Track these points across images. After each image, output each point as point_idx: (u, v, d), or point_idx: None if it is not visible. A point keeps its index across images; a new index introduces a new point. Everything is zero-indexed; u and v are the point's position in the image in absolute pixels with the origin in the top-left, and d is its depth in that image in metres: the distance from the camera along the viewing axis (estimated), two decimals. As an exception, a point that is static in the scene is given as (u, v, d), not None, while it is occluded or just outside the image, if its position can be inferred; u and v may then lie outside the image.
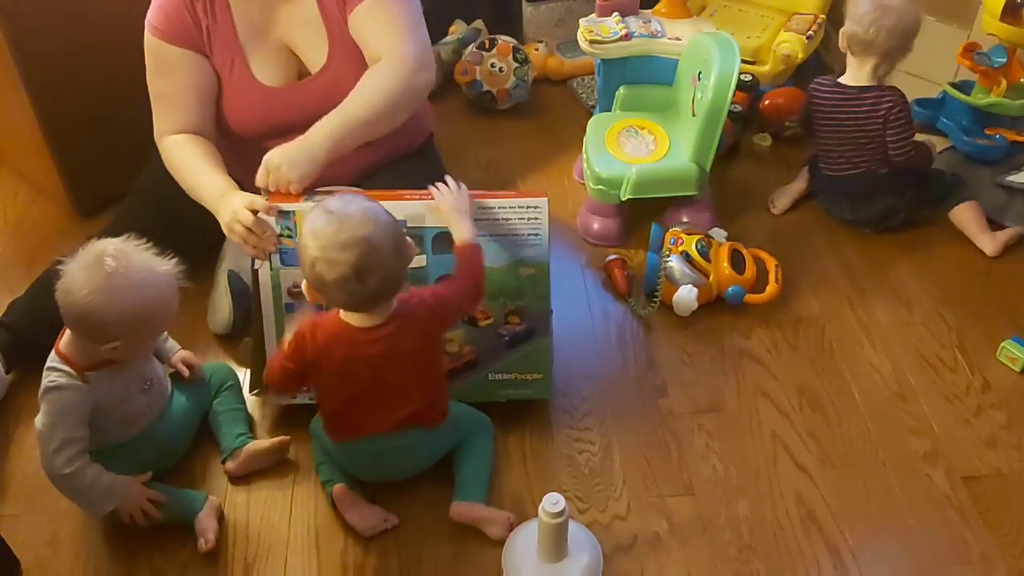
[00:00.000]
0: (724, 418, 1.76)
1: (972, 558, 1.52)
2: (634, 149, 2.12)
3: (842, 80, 2.10)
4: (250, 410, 1.74)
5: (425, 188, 1.70)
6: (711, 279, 1.94)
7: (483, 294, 1.56)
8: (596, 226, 2.16)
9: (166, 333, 1.69)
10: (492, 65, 2.54)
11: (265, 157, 1.63)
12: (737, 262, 1.96)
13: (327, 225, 1.34)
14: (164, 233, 1.59)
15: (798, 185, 2.27)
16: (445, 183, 1.61)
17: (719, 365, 1.87)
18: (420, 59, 1.76)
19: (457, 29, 2.74)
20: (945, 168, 2.21)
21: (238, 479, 1.64)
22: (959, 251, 2.12)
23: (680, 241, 1.96)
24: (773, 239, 2.15)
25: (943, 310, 1.98)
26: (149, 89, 1.80)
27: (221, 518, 1.57)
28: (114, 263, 1.41)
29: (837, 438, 1.72)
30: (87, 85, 2.07)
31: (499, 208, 1.63)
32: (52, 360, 1.49)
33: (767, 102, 2.43)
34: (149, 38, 1.76)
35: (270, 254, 1.62)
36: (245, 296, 1.84)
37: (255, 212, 1.60)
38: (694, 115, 2.03)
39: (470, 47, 2.59)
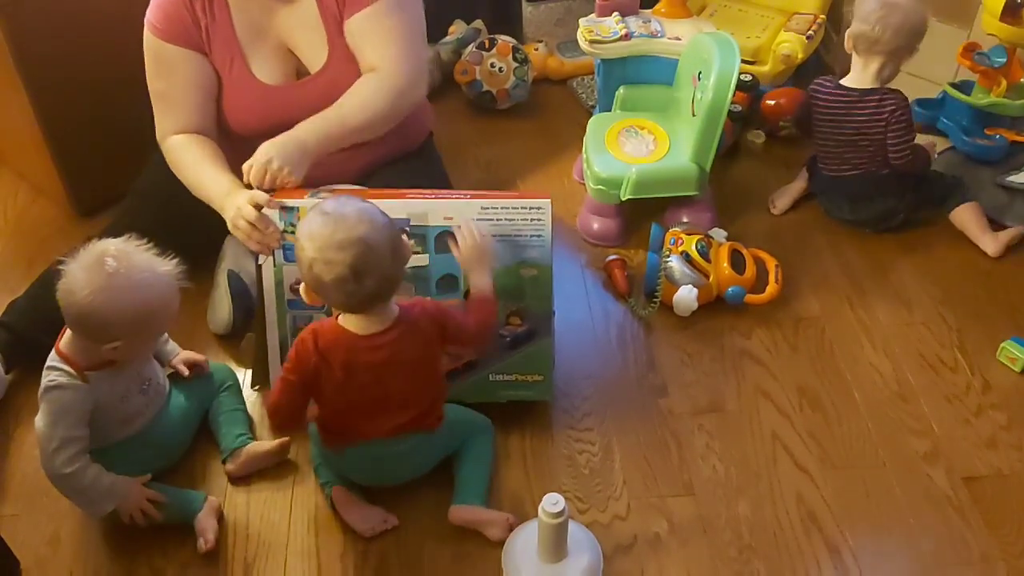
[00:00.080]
0: (724, 418, 1.76)
1: (972, 558, 1.52)
2: (634, 149, 2.12)
3: (844, 82, 2.09)
4: (250, 410, 1.74)
5: (425, 188, 1.70)
6: (711, 279, 1.94)
7: (486, 342, 1.56)
8: (596, 226, 2.16)
9: (167, 335, 1.69)
10: (492, 65, 2.54)
11: (257, 150, 1.64)
12: (737, 262, 1.96)
13: (323, 226, 1.34)
14: (164, 233, 1.59)
15: (798, 185, 2.27)
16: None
17: (719, 365, 1.87)
18: (412, 79, 1.80)
19: (457, 29, 2.74)
20: (945, 168, 2.21)
21: (238, 479, 1.64)
22: (959, 251, 2.12)
23: (680, 241, 1.96)
24: (773, 239, 2.15)
25: (943, 310, 1.98)
26: (150, 89, 1.81)
27: (221, 518, 1.57)
28: (115, 263, 1.41)
29: (837, 438, 1.72)
30: (87, 85, 2.07)
31: (502, 209, 1.62)
32: (52, 359, 1.49)
33: (771, 102, 2.43)
34: (149, 37, 1.76)
35: (273, 250, 1.62)
36: (245, 296, 1.84)
37: (259, 208, 1.60)
38: (694, 115, 2.03)
39: (470, 47, 2.59)
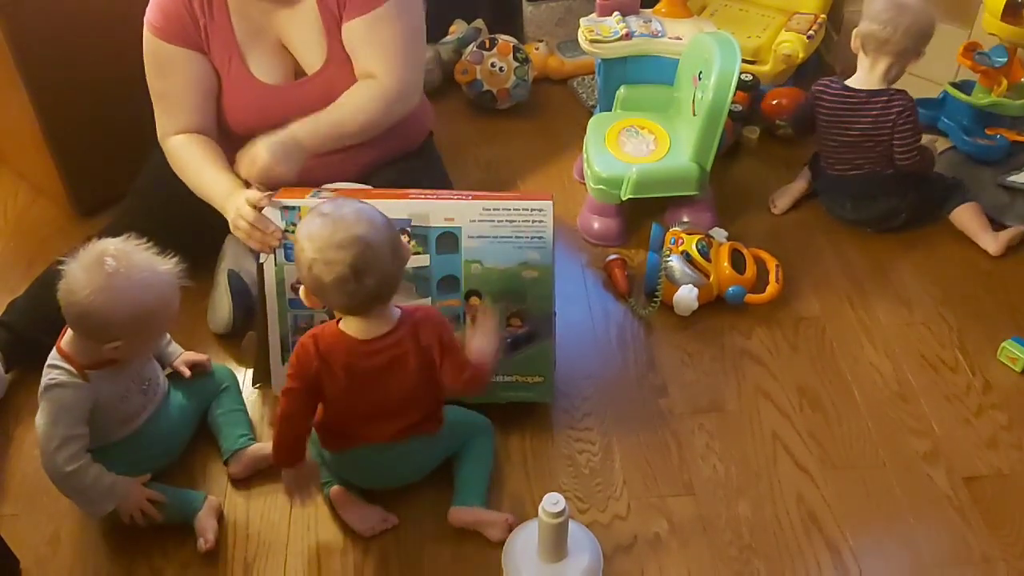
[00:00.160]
0: (724, 418, 1.76)
1: (973, 558, 1.52)
2: (634, 149, 2.12)
3: (850, 82, 2.09)
4: (250, 410, 1.74)
5: (425, 187, 1.70)
6: (711, 279, 1.94)
7: (469, 393, 1.51)
8: (596, 226, 2.16)
9: (169, 337, 1.69)
10: (492, 64, 2.54)
11: (253, 147, 1.65)
12: (737, 262, 1.96)
13: (322, 227, 1.34)
14: (164, 233, 1.59)
15: (799, 185, 2.27)
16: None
17: (719, 365, 1.86)
18: (408, 89, 1.81)
19: (457, 28, 2.74)
20: (946, 168, 2.21)
21: (239, 480, 1.64)
22: (960, 251, 2.12)
23: (680, 241, 1.96)
24: (774, 239, 2.14)
25: (944, 310, 1.98)
26: (150, 89, 1.81)
27: (221, 518, 1.57)
28: (115, 263, 1.41)
29: (838, 438, 1.72)
30: (87, 85, 2.07)
31: (503, 210, 1.62)
32: (53, 358, 1.49)
33: (773, 102, 2.43)
34: (148, 37, 1.76)
35: (274, 249, 1.62)
36: (245, 296, 1.84)
37: (258, 208, 1.60)
38: (695, 115, 2.03)
39: (470, 46, 2.59)
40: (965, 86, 2.29)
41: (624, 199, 2.09)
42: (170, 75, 1.78)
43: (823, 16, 2.56)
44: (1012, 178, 2.16)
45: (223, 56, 1.78)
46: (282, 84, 1.82)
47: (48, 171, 2.16)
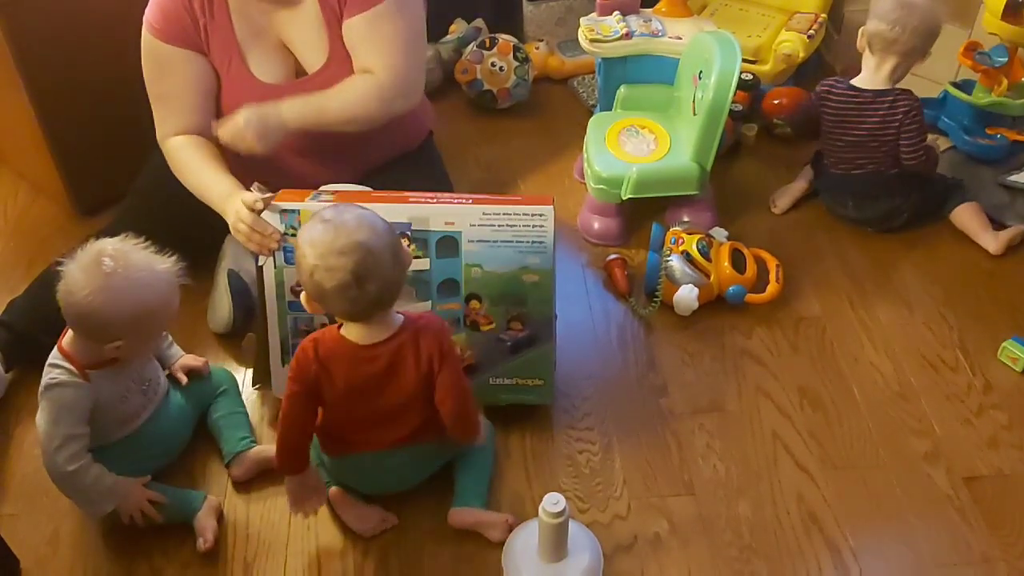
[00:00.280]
0: (725, 418, 1.76)
1: (973, 558, 1.52)
2: (635, 148, 2.12)
3: (855, 82, 2.08)
4: (250, 410, 1.74)
5: (425, 187, 1.70)
6: (712, 279, 1.94)
7: (455, 418, 1.49)
8: (597, 225, 2.16)
9: (170, 338, 1.69)
10: (492, 64, 2.54)
11: (240, 114, 1.66)
12: (738, 262, 1.96)
13: (324, 233, 1.34)
14: (164, 232, 1.59)
15: (799, 185, 2.27)
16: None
17: (720, 365, 1.86)
18: (405, 88, 1.81)
19: (458, 28, 2.73)
20: (947, 168, 2.21)
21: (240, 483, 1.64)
22: (961, 251, 2.12)
23: (681, 240, 1.96)
24: (774, 239, 2.14)
25: (944, 310, 1.98)
26: (148, 91, 1.80)
27: (220, 518, 1.57)
28: (113, 263, 1.41)
29: (838, 438, 1.72)
30: (87, 85, 2.07)
31: (503, 215, 1.62)
32: (54, 357, 1.49)
33: (775, 101, 2.42)
34: (147, 38, 1.76)
35: (274, 251, 1.62)
36: (245, 295, 1.84)
37: (256, 211, 1.60)
38: (695, 114, 2.03)
39: (471, 46, 2.59)
40: (966, 86, 2.29)
41: (624, 199, 2.08)
42: (169, 76, 1.78)
43: (823, 15, 2.55)
44: (1012, 178, 2.16)
45: (223, 56, 1.78)
46: (283, 83, 1.82)
47: (48, 171, 2.16)
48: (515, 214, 1.62)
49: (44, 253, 2.06)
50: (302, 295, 1.43)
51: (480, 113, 2.61)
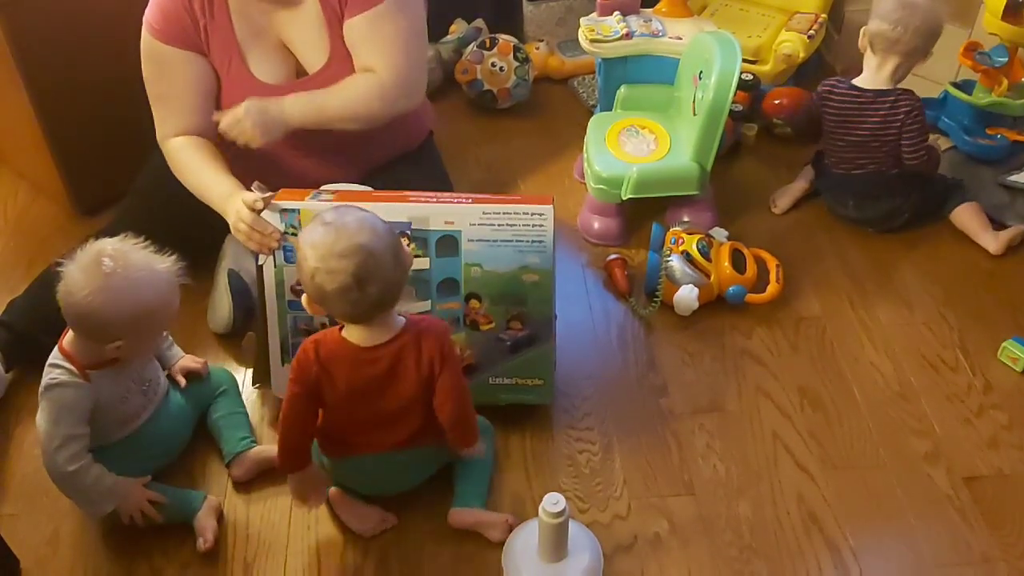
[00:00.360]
0: (725, 418, 1.76)
1: (973, 558, 1.52)
2: (635, 148, 2.12)
3: (857, 82, 2.08)
4: (250, 410, 1.74)
5: (425, 187, 1.70)
6: (712, 279, 1.94)
7: (458, 432, 1.50)
8: (597, 225, 2.16)
9: (171, 339, 1.69)
10: (493, 64, 2.54)
11: (242, 104, 1.68)
12: (738, 262, 1.96)
13: (324, 236, 1.34)
14: (164, 232, 1.59)
15: (799, 185, 2.26)
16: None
17: (720, 365, 1.86)
18: (407, 87, 1.81)
19: (458, 28, 2.73)
20: (947, 168, 2.21)
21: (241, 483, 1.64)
22: (961, 251, 2.12)
23: (681, 240, 1.96)
24: (774, 239, 2.14)
25: (944, 310, 1.98)
26: (148, 92, 1.80)
27: (220, 517, 1.57)
28: (112, 263, 1.41)
29: (838, 438, 1.72)
30: (87, 85, 2.07)
31: (503, 214, 1.62)
32: (55, 357, 1.49)
33: (776, 101, 2.42)
34: (147, 39, 1.76)
35: (274, 251, 1.62)
36: (245, 295, 1.84)
37: (256, 211, 1.60)
38: (695, 114, 2.03)
39: (471, 46, 2.59)
40: (966, 86, 2.28)
41: (624, 199, 2.08)
42: (169, 77, 1.78)
43: (824, 16, 2.55)
44: (1013, 178, 2.16)
45: (223, 57, 1.78)
46: (283, 84, 1.81)
47: (48, 171, 2.16)
48: (515, 213, 1.62)
49: (44, 253, 2.06)
50: (303, 297, 1.43)
51: (480, 113, 2.61)
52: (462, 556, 1.53)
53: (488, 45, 2.56)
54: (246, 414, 1.71)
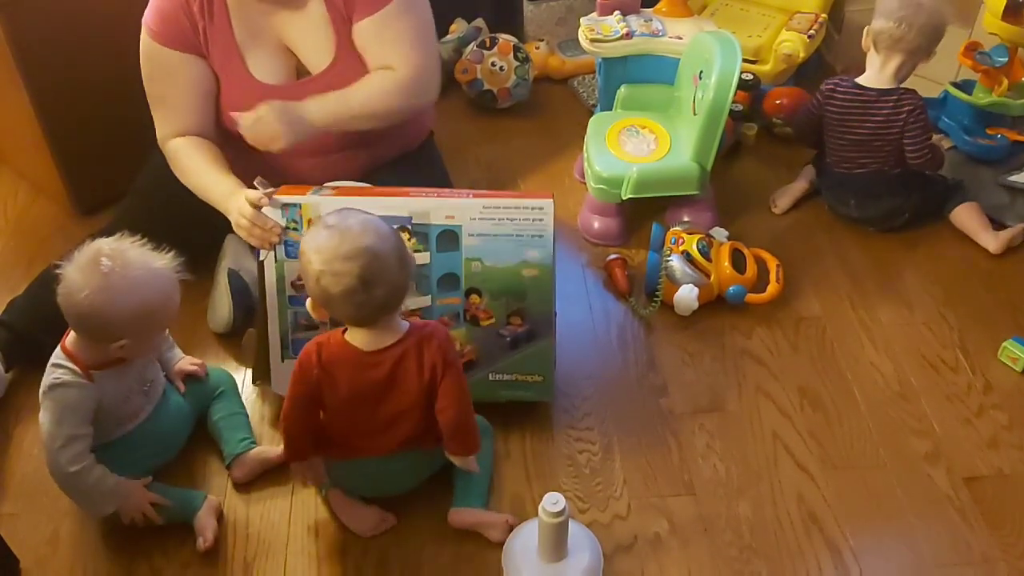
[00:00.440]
0: (725, 418, 1.76)
1: (973, 558, 1.52)
2: (635, 148, 2.12)
3: (860, 81, 2.08)
4: (250, 409, 1.73)
5: (425, 186, 1.70)
6: (712, 279, 1.94)
7: (458, 438, 1.50)
8: (597, 225, 2.16)
9: (172, 340, 1.69)
10: (493, 64, 2.54)
11: (261, 106, 1.66)
12: (738, 261, 1.96)
13: (328, 239, 1.34)
14: (164, 232, 1.59)
15: (800, 184, 2.27)
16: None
17: (720, 365, 1.86)
18: (427, 78, 1.82)
19: (458, 27, 2.74)
20: (947, 168, 2.21)
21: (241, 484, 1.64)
22: (961, 251, 2.12)
23: (681, 240, 1.96)
24: (774, 239, 2.14)
25: (944, 310, 1.98)
26: (147, 93, 1.80)
27: (220, 517, 1.57)
28: (110, 262, 1.41)
29: (838, 438, 1.72)
30: (87, 85, 2.07)
31: (503, 208, 1.62)
32: (57, 357, 1.49)
33: (777, 101, 2.42)
34: (146, 40, 1.76)
35: (275, 245, 1.62)
36: (245, 295, 1.84)
37: (258, 207, 1.60)
38: (695, 114, 2.03)
39: (471, 45, 2.59)
40: (966, 86, 2.28)
41: (624, 199, 2.08)
42: (168, 79, 1.78)
43: (824, 15, 2.55)
44: (1013, 178, 2.16)
45: (222, 58, 1.78)
46: (283, 84, 1.81)
47: (48, 171, 2.16)
48: (515, 207, 1.62)
49: (44, 253, 2.07)
50: (308, 301, 1.43)
51: (480, 113, 2.61)
52: (462, 556, 1.53)
53: (488, 45, 2.56)
54: (246, 415, 1.71)
